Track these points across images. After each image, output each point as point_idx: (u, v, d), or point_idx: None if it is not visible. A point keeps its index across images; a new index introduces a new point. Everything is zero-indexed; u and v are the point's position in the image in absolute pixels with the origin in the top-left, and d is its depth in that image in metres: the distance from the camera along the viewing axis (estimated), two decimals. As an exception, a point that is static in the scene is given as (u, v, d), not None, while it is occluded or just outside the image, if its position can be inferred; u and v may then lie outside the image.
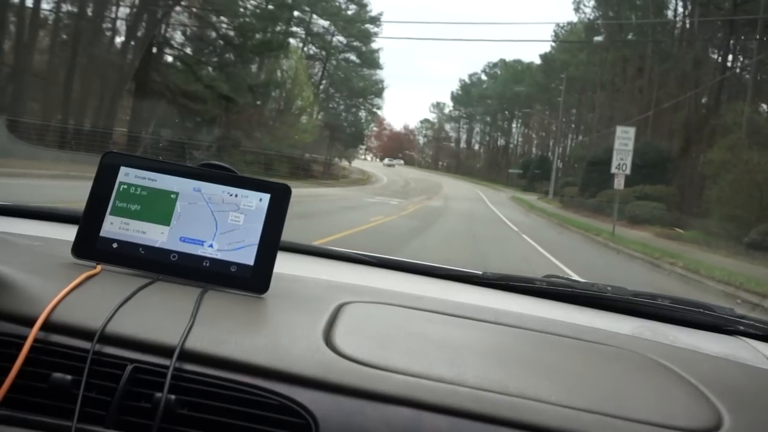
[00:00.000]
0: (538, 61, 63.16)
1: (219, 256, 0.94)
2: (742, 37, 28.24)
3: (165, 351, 0.73)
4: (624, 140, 17.31)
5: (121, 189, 0.96)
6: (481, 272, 1.36)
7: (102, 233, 0.95)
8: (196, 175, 0.97)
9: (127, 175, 0.97)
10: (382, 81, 55.78)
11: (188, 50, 27.17)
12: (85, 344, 0.73)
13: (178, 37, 26.84)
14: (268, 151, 26.98)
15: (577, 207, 29.03)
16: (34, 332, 0.73)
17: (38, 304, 0.77)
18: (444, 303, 1.08)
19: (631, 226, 19.83)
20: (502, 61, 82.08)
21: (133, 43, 23.78)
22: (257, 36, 29.07)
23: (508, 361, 0.85)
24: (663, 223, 20.37)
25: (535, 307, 1.20)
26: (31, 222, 1.35)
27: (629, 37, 35.74)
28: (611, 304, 1.28)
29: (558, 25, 57.89)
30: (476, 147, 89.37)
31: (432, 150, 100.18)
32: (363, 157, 77.76)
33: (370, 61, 51.34)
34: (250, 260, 0.94)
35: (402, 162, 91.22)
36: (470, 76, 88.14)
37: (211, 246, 0.94)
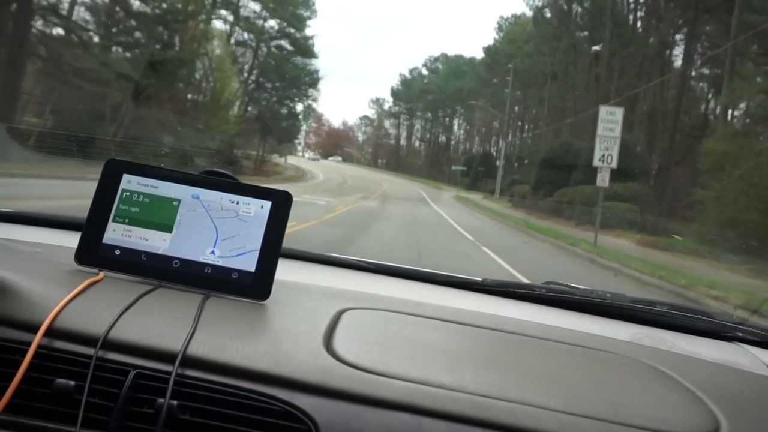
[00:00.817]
0: (481, 55, 59.74)
1: (220, 262, 0.99)
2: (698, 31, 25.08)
3: (167, 357, 0.77)
4: (609, 124, 13.89)
5: (123, 196, 1.01)
6: (480, 279, 1.40)
7: (105, 240, 1.00)
8: (198, 182, 1.02)
9: (129, 182, 1.02)
10: (317, 71, 51.18)
11: (89, 25, 22.03)
12: (88, 350, 0.77)
13: (72, 8, 21.50)
14: (185, 146, 22.77)
15: (530, 208, 25.79)
16: (37, 338, 0.77)
17: (42, 310, 0.81)
18: (443, 309, 1.12)
19: (601, 232, 15.94)
20: (444, 55, 79.19)
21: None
22: (164, 5, 23.90)
23: (508, 368, 0.90)
24: (638, 228, 16.54)
25: (535, 314, 1.24)
26: (33, 229, 1.37)
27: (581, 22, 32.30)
28: (610, 310, 1.31)
29: (502, 17, 54.48)
30: (417, 144, 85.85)
31: (372, 147, 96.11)
32: (301, 153, 73.05)
33: (304, 48, 47.47)
34: (251, 267, 0.99)
35: (340, 159, 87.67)
36: (411, 70, 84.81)
37: (212, 253, 0.99)
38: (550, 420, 0.73)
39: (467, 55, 77.21)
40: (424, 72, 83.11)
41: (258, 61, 44.97)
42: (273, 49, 46.93)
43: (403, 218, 18.03)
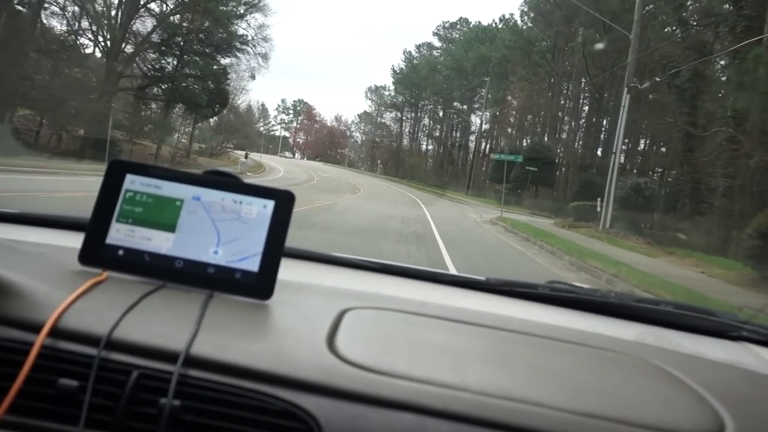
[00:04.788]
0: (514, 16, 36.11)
1: (224, 262, 0.96)
2: None
3: (170, 357, 0.75)
4: None
5: (127, 196, 0.98)
6: (484, 278, 1.35)
7: (108, 240, 0.97)
8: (201, 182, 0.99)
9: (133, 182, 0.98)
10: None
11: None
12: (91, 350, 0.75)
13: None
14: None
15: None
16: (41, 339, 0.75)
17: (45, 310, 0.79)
18: (447, 309, 1.09)
19: None
20: (463, 20, 54.21)
21: None
22: None
23: (511, 367, 0.87)
24: None
25: (539, 313, 1.20)
26: (37, 229, 1.32)
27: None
28: (614, 309, 1.27)
29: None
30: (424, 143, 61.11)
31: (369, 147, 71.48)
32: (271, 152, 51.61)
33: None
34: (254, 267, 0.96)
35: (287, 154, 66.49)
36: (418, 46, 60.13)
37: (216, 253, 0.96)
38: (553, 419, 0.71)
39: (490, 23, 53.51)
40: (436, 43, 59.72)
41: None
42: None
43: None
